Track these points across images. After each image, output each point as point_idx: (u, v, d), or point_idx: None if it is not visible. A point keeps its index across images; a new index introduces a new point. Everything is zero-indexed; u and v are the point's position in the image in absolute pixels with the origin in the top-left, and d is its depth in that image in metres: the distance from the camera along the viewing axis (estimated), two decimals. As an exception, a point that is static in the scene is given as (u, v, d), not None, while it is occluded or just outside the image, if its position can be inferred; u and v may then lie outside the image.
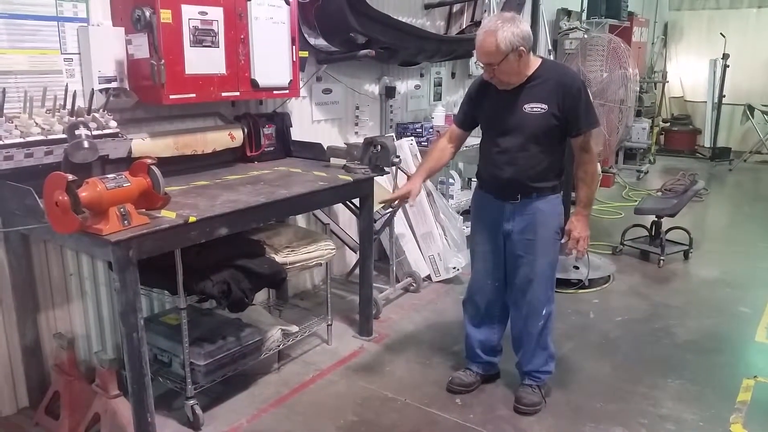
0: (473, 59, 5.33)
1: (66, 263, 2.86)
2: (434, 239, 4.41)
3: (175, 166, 2.93)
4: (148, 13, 2.64)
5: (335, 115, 4.27)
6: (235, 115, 3.42)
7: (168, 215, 2.31)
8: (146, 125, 2.96)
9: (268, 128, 3.47)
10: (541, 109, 2.54)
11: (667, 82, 10.23)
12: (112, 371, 2.49)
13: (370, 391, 3.02)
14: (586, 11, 6.66)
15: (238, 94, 3.09)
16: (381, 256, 4.46)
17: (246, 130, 3.33)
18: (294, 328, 3.21)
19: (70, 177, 2.03)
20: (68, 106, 2.56)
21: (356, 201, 3.42)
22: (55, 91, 2.56)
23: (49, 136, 2.41)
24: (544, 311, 2.78)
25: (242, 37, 3.02)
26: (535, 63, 2.58)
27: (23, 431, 2.68)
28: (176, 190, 2.67)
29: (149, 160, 2.29)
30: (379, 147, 3.21)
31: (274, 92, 3.30)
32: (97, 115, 2.57)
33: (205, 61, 2.87)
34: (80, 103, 2.62)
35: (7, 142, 2.30)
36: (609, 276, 4.52)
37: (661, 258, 4.84)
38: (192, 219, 2.31)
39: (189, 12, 2.76)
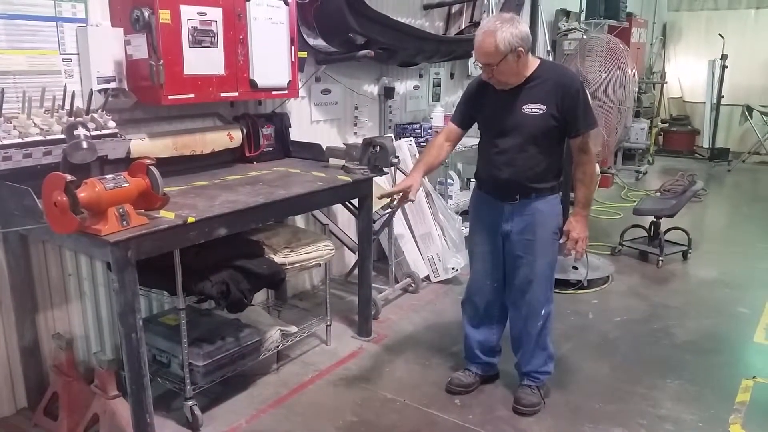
0: (472, 60, 5.33)
1: (65, 264, 2.85)
2: (433, 240, 4.41)
3: (174, 166, 2.93)
4: (146, 14, 2.64)
5: (334, 116, 4.27)
6: (234, 115, 3.42)
7: (167, 216, 2.31)
8: (145, 126, 2.96)
9: (267, 129, 3.47)
10: (540, 109, 2.54)
11: (666, 82, 10.24)
12: (111, 372, 2.48)
13: (369, 391, 3.02)
14: (584, 12, 6.66)
15: (237, 94, 3.09)
16: (380, 256, 4.46)
17: (245, 130, 3.32)
18: (293, 329, 3.21)
19: (69, 177, 2.03)
20: (67, 106, 2.55)
21: (355, 201, 3.42)
22: (54, 91, 2.55)
23: (48, 136, 2.41)
24: (543, 311, 2.78)
25: (241, 37, 3.02)
26: (533, 64, 2.58)
27: (22, 432, 2.68)
28: (175, 191, 2.67)
29: (148, 161, 2.29)
30: (378, 147, 3.21)
31: (273, 93, 3.30)
32: (95, 115, 2.57)
33: (204, 62, 2.86)
34: (79, 103, 2.61)
35: (5, 142, 2.30)
36: (608, 276, 4.52)
37: (660, 258, 4.84)
38: (191, 219, 2.31)
39: (188, 12, 2.75)
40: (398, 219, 4.26)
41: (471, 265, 2.97)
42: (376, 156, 3.22)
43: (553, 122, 2.56)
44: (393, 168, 3.76)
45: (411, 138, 4.63)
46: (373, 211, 3.48)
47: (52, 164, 2.37)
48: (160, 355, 2.82)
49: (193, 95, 2.86)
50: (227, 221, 2.49)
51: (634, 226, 5.20)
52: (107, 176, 2.20)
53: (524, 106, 2.56)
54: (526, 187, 2.64)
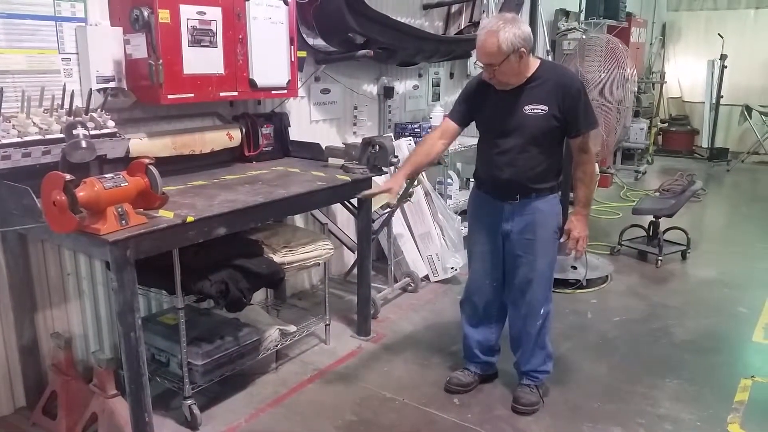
0: (472, 59, 5.33)
1: (63, 263, 2.85)
2: (432, 239, 4.41)
3: (173, 165, 2.93)
4: (146, 13, 2.64)
5: (333, 115, 4.27)
6: (233, 115, 3.42)
7: (166, 215, 2.31)
8: (144, 125, 2.96)
9: (267, 128, 3.47)
10: (542, 110, 2.54)
11: (665, 82, 10.25)
12: (110, 371, 2.48)
13: (369, 390, 3.02)
14: (584, 12, 6.67)
15: (236, 94, 3.09)
16: (379, 256, 4.46)
17: (244, 130, 3.32)
18: (292, 328, 3.21)
19: (68, 176, 2.03)
20: (66, 105, 2.55)
21: (354, 201, 3.42)
22: (53, 90, 2.55)
23: (47, 135, 2.40)
24: (542, 311, 2.78)
25: (240, 37, 3.02)
26: (534, 64, 2.58)
27: (20, 431, 2.67)
28: (174, 190, 2.67)
29: (147, 160, 2.29)
30: (378, 147, 3.21)
31: (273, 92, 3.30)
32: (95, 114, 2.57)
33: (203, 61, 2.86)
34: (78, 102, 2.61)
35: (4, 141, 2.29)
36: (607, 276, 4.52)
37: (659, 258, 4.84)
38: (190, 219, 2.31)
39: (187, 12, 2.75)
40: (397, 218, 4.26)
41: (470, 264, 2.97)
42: (375, 155, 3.22)
43: (555, 122, 2.56)
44: (392, 167, 3.75)
45: (410, 138, 4.63)
46: (372, 210, 3.48)
47: (51, 163, 2.37)
48: (159, 354, 2.82)
49: (192, 95, 2.85)
50: (226, 221, 2.49)
51: (633, 225, 5.20)
52: (106, 175, 2.20)
53: (526, 107, 2.56)
54: (527, 187, 2.64)
